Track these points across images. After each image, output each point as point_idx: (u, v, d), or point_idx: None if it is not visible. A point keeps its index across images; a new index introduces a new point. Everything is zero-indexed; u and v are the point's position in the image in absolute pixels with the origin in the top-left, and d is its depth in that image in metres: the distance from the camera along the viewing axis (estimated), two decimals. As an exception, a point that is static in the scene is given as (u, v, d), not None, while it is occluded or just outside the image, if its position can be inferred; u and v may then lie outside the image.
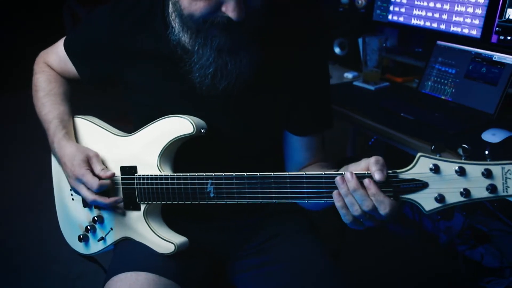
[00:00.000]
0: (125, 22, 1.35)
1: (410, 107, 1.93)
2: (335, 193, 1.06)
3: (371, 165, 1.03)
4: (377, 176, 1.02)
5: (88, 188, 1.29)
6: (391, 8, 2.35)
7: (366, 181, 1.02)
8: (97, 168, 1.31)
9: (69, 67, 1.50)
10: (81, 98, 1.61)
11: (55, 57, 1.53)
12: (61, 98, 1.48)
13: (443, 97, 1.98)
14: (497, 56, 1.83)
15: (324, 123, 1.43)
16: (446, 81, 1.98)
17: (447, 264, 2.61)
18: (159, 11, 1.30)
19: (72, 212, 1.48)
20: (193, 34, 1.19)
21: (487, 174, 0.93)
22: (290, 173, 1.13)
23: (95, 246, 1.45)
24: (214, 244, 1.46)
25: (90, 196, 1.29)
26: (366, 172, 1.04)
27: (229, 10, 1.10)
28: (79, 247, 1.49)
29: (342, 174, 1.05)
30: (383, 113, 1.91)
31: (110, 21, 1.37)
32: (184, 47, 1.25)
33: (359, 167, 1.07)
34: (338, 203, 1.06)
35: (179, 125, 1.27)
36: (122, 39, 1.35)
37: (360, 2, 2.49)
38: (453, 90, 1.95)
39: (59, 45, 1.52)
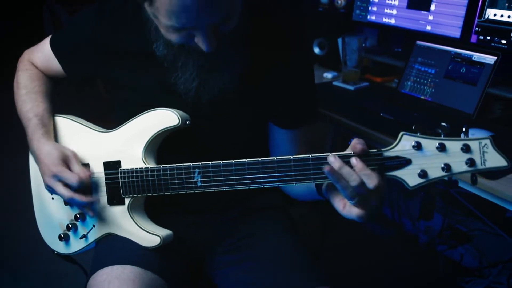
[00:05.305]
0: (111, 21, 1.35)
1: (389, 107, 1.93)
2: (327, 168, 1.05)
3: (353, 143, 1.07)
4: (359, 147, 1.06)
5: (65, 185, 1.28)
6: (371, 8, 2.35)
7: (353, 160, 1.05)
8: (76, 168, 1.30)
9: (54, 65, 1.49)
10: (60, 98, 1.58)
11: (40, 54, 1.52)
12: (42, 96, 1.47)
13: (422, 97, 1.97)
14: (477, 56, 1.83)
15: (309, 116, 1.44)
16: (425, 81, 1.97)
17: (426, 264, 2.61)
18: (144, 15, 1.27)
19: (52, 211, 1.46)
20: (176, 53, 1.21)
21: (466, 149, 0.99)
22: (277, 157, 1.14)
23: (76, 245, 1.43)
24: (194, 239, 1.45)
25: (67, 194, 1.28)
26: (351, 153, 1.07)
27: (200, 43, 1.12)
28: (59, 247, 1.47)
29: (328, 155, 1.08)
30: (363, 113, 1.91)
31: (95, 19, 1.37)
32: (170, 61, 1.25)
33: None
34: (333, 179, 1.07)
35: (164, 118, 1.27)
36: (108, 38, 1.35)
37: (339, 2, 2.49)
38: (433, 90, 1.94)
39: (45, 43, 1.52)
